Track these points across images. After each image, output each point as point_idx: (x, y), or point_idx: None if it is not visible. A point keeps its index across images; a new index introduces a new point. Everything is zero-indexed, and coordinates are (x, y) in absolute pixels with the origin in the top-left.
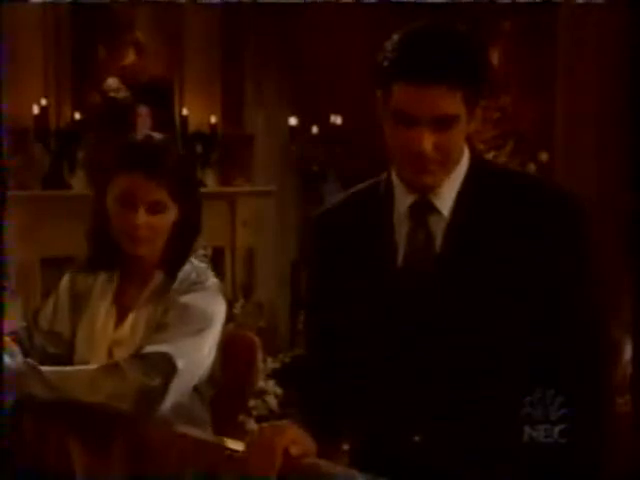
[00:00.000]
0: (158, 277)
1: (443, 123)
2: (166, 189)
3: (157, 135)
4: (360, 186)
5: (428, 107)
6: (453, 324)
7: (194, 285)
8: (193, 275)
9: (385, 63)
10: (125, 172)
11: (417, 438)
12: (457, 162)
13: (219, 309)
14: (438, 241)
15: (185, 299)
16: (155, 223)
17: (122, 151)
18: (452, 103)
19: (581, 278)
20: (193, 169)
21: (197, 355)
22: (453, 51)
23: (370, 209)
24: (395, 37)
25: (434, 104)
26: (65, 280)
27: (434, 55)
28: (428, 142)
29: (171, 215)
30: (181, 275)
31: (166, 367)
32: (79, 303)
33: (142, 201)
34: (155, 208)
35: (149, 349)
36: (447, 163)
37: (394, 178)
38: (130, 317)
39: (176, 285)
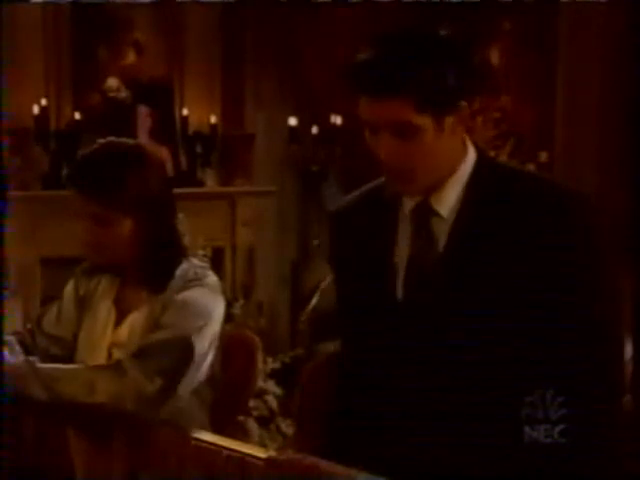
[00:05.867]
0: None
1: (404, 133)
2: (103, 205)
3: (102, 150)
4: (373, 183)
5: (384, 116)
6: (455, 325)
7: (192, 282)
8: (191, 273)
9: (349, 75)
10: (72, 189)
11: (417, 439)
12: (442, 172)
13: (218, 307)
14: (441, 243)
15: (183, 295)
16: (103, 235)
17: (69, 168)
18: (407, 113)
19: (584, 279)
20: (145, 181)
21: (198, 353)
22: (406, 62)
23: (380, 207)
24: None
25: (389, 114)
26: (69, 286)
27: (384, 67)
28: (389, 150)
29: (124, 227)
30: (179, 273)
31: (183, 351)
32: (83, 307)
33: (84, 216)
34: (100, 222)
35: (151, 339)
36: (419, 173)
37: None
38: (129, 319)
39: (173, 283)
